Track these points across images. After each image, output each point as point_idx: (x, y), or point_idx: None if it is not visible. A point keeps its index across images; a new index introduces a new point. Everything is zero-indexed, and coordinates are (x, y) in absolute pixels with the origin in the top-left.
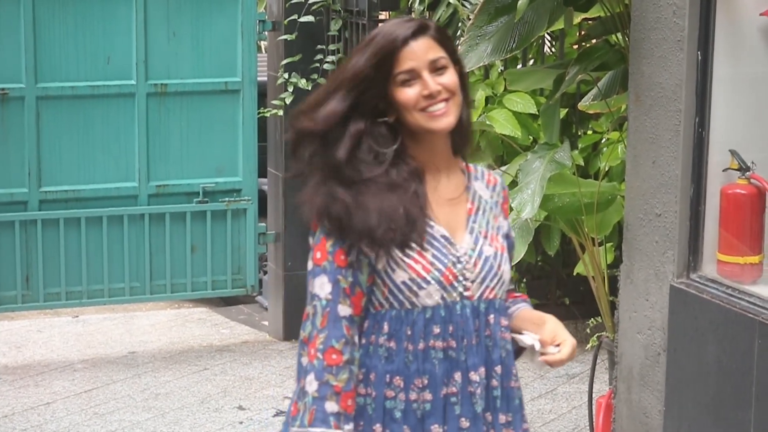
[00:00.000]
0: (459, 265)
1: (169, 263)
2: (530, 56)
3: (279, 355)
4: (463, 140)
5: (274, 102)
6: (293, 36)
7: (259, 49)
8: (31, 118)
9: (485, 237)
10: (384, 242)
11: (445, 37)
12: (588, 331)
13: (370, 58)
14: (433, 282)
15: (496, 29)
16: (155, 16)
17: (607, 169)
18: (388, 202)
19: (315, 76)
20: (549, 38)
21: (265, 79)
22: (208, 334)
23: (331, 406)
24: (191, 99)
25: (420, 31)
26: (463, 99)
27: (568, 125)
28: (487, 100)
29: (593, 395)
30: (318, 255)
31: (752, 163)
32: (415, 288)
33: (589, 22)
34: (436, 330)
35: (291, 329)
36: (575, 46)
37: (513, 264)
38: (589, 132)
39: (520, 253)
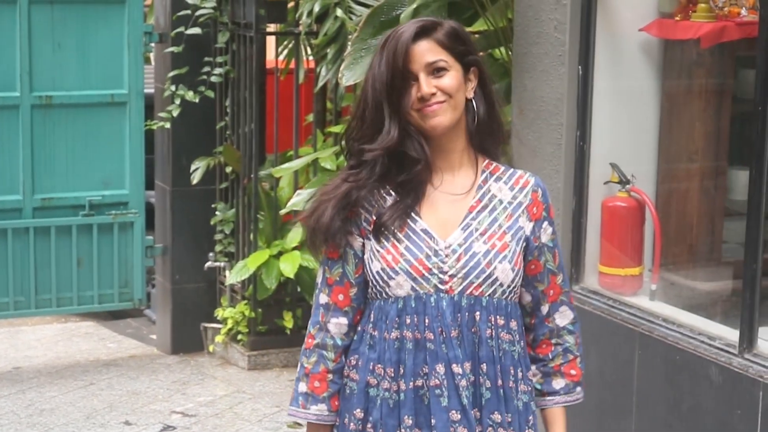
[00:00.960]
0: (435, 258)
1: (54, 277)
2: None
3: (167, 369)
4: (485, 141)
5: (161, 114)
6: (180, 48)
7: (147, 60)
8: None
9: (482, 234)
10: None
11: (454, 39)
12: None
13: (384, 61)
14: (401, 272)
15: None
16: (39, 26)
17: None
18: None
19: (202, 88)
20: None
21: (152, 91)
22: (95, 348)
23: (301, 387)
24: (77, 111)
25: (422, 33)
26: (484, 100)
27: None
28: None
29: None
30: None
31: (632, 176)
32: (386, 278)
33: (474, 35)
34: (408, 320)
35: (179, 343)
36: None
37: None
38: None
39: None
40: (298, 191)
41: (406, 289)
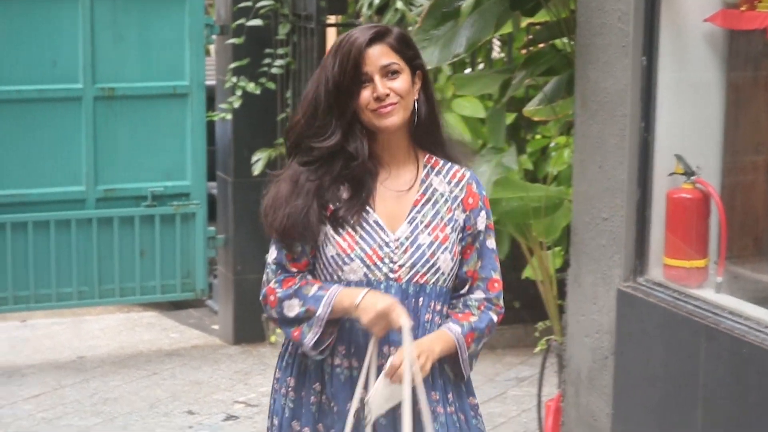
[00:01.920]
0: (386, 249)
1: (117, 267)
2: (479, 60)
3: (229, 359)
4: (424, 136)
5: (223, 106)
6: (241, 40)
7: (207, 53)
8: None
9: (426, 226)
10: (284, 240)
11: (404, 44)
12: (537, 334)
13: (339, 64)
14: (356, 259)
15: (443, 33)
16: (102, 19)
17: (555, 173)
18: (294, 204)
19: (263, 79)
20: (498, 42)
21: (214, 83)
22: (157, 338)
23: (300, 306)
24: (139, 103)
25: (377, 38)
26: (424, 98)
27: (516, 130)
28: None
29: (542, 398)
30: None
31: (697, 167)
32: (340, 262)
33: (536, 26)
34: None
35: (240, 333)
36: (523, 51)
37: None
38: (538, 136)
39: None
40: None
41: (359, 274)
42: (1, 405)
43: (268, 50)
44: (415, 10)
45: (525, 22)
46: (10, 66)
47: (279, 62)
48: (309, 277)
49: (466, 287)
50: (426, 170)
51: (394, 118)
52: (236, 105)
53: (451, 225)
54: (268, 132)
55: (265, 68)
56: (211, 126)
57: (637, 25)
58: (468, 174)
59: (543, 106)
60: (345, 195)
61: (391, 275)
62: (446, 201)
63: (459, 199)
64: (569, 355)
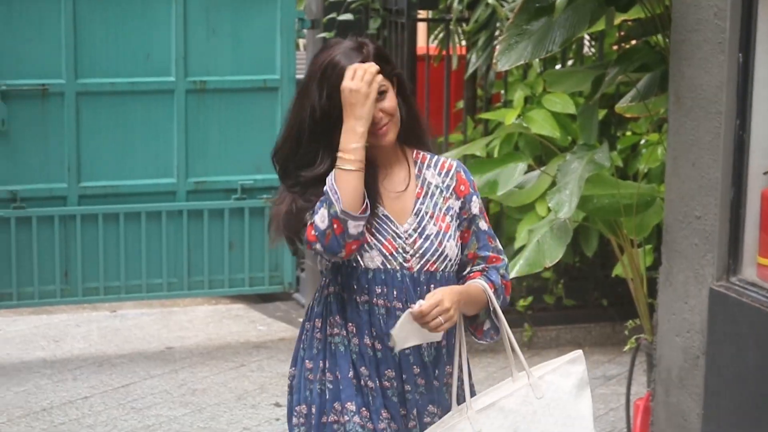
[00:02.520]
0: (399, 240)
1: (207, 259)
2: (569, 56)
3: None
4: (408, 134)
5: None
6: (332, 34)
7: (297, 47)
8: (71, 114)
9: (431, 217)
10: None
11: (383, 61)
12: (626, 333)
13: (327, 94)
14: (374, 248)
15: (537, 29)
16: (195, 13)
17: (645, 170)
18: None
19: None
20: (588, 38)
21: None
22: (245, 330)
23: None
24: (230, 96)
25: (363, 62)
26: (403, 103)
27: (606, 126)
28: (526, 100)
29: (631, 398)
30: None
31: None
32: (360, 251)
33: (629, 23)
34: (378, 290)
35: None
36: (615, 47)
37: (550, 265)
38: (628, 133)
39: (557, 254)
40: None
41: (377, 262)
42: (92, 393)
43: None
44: (507, 6)
45: (619, 18)
46: (106, 59)
47: None
48: None
49: (468, 268)
50: (417, 166)
51: (390, 136)
52: None
53: (449, 214)
54: None
55: None
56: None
57: (734, 21)
58: (455, 163)
59: (635, 103)
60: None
61: (405, 264)
62: (441, 192)
63: (451, 188)
64: (659, 355)
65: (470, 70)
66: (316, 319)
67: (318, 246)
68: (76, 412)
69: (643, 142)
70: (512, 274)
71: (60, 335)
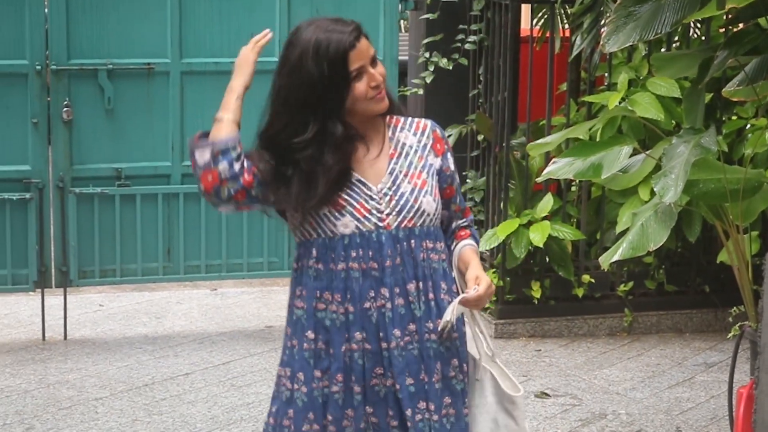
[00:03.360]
0: (372, 201)
1: None
2: (675, 39)
3: None
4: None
5: (415, 81)
6: (435, 15)
7: (398, 28)
8: (176, 93)
9: (405, 176)
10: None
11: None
12: (730, 320)
13: (329, 64)
14: (347, 214)
15: (645, 11)
16: None
17: (752, 155)
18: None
19: (456, 55)
20: (694, 21)
21: (406, 58)
22: None
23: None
24: None
25: (359, 33)
26: None
27: (711, 110)
28: (630, 83)
29: (733, 385)
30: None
31: None
32: (333, 219)
33: (736, 6)
34: (354, 254)
35: None
36: (721, 30)
37: (653, 248)
38: (734, 117)
39: (661, 238)
40: (553, 160)
41: (351, 227)
42: (192, 370)
43: (461, 26)
44: None
45: (730, 3)
46: (210, 38)
47: (472, 38)
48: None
49: (454, 221)
50: (391, 129)
51: (386, 100)
52: (428, 80)
53: (426, 170)
54: (459, 108)
55: (458, 44)
56: (402, 101)
57: None
58: (429, 123)
59: (743, 87)
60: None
61: (380, 224)
62: (416, 151)
63: (428, 146)
64: (764, 342)
65: (574, 53)
66: (295, 288)
67: (205, 195)
68: (177, 388)
69: (748, 126)
70: (615, 257)
71: (161, 312)
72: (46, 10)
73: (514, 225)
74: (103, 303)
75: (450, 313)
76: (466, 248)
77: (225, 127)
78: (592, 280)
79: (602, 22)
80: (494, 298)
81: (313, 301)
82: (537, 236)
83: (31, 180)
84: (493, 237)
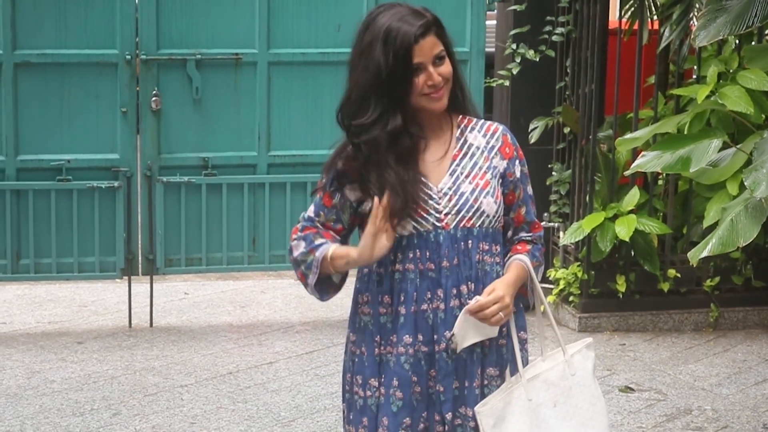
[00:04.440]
0: (431, 201)
1: None
2: (766, 33)
3: None
4: (454, 100)
5: (501, 72)
6: (523, 7)
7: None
8: (263, 84)
9: (467, 176)
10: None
11: (442, 29)
12: None
13: (394, 55)
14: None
15: (737, 3)
16: None
17: None
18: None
19: (543, 47)
20: None
21: (493, 49)
22: None
23: (304, 247)
24: None
25: (428, 29)
26: (453, 67)
27: None
28: (720, 76)
29: None
30: (324, 198)
31: None
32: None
33: None
34: (411, 255)
35: None
36: None
37: (743, 244)
38: None
39: (751, 234)
40: (642, 153)
41: (408, 228)
42: (276, 359)
43: (549, 18)
44: None
45: None
46: (297, 29)
47: (560, 30)
48: (326, 233)
49: (511, 231)
50: (460, 129)
51: (445, 100)
52: (515, 72)
53: (490, 172)
54: (545, 100)
55: (546, 36)
56: (488, 93)
57: None
58: (501, 127)
59: None
60: (391, 161)
61: (438, 224)
62: (482, 152)
63: (496, 148)
64: None
65: (663, 45)
66: (358, 296)
67: (289, 251)
68: (261, 377)
69: None
70: (704, 253)
71: (246, 301)
72: (136, 1)
73: (599, 218)
74: (189, 291)
75: (456, 326)
76: (514, 262)
77: (315, 275)
78: (678, 275)
79: (692, 14)
80: (578, 292)
81: (378, 306)
82: (623, 230)
83: (119, 168)
84: (579, 230)
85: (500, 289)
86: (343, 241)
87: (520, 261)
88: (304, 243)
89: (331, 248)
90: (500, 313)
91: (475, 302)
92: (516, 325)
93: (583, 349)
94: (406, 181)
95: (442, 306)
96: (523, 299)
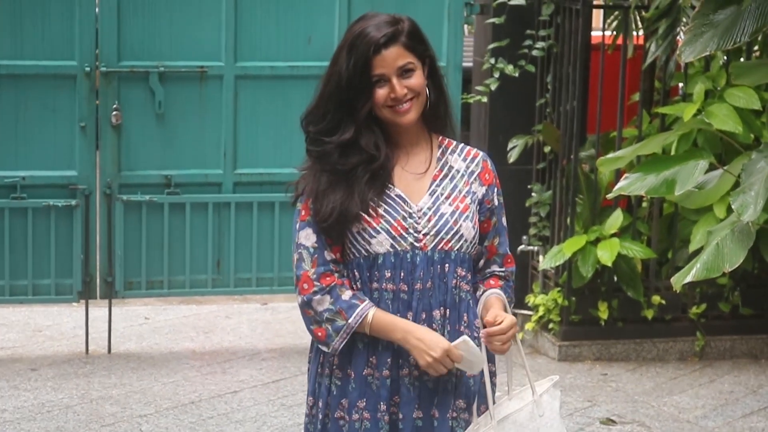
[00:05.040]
0: (410, 220)
1: None
2: (755, 48)
3: None
4: (435, 119)
5: (479, 88)
6: (502, 20)
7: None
8: (229, 98)
9: (447, 198)
10: (329, 229)
11: (416, 40)
12: None
13: (353, 64)
14: (382, 232)
15: (724, 18)
16: None
17: None
18: (340, 193)
19: (522, 62)
20: None
21: (470, 64)
22: None
23: (330, 304)
24: None
25: (392, 39)
26: (433, 86)
27: None
28: (707, 94)
29: None
30: (303, 213)
31: None
32: (367, 236)
33: None
34: (387, 274)
35: None
36: None
37: (729, 270)
38: None
39: (738, 258)
40: (625, 175)
41: (386, 246)
42: (241, 388)
43: (529, 31)
44: None
45: None
46: (266, 42)
47: (540, 44)
48: (344, 280)
49: (482, 261)
50: (441, 149)
51: (412, 115)
52: (493, 87)
53: (470, 197)
54: (525, 117)
55: (526, 50)
56: (466, 109)
57: None
58: (481, 153)
59: None
60: (367, 177)
61: (417, 244)
62: (462, 176)
63: (475, 173)
64: None
65: (648, 61)
66: None
67: (302, 300)
68: (224, 407)
69: None
70: (689, 278)
71: (209, 326)
72: (96, 10)
73: (581, 242)
74: (149, 316)
75: (474, 351)
76: (492, 296)
77: (343, 341)
78: (663, 302)
79: (678, 28)
80: (558, 319)
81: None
82: (605, 254)
83: (77, 186)
84: (559, 254)
85: (509, 317)
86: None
87: (499, 296)
88: (329, 298)
89: (371, 314)
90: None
91: (497, 328)
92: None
93: (551, 388)
94: (350, 197)
95: None
96: None
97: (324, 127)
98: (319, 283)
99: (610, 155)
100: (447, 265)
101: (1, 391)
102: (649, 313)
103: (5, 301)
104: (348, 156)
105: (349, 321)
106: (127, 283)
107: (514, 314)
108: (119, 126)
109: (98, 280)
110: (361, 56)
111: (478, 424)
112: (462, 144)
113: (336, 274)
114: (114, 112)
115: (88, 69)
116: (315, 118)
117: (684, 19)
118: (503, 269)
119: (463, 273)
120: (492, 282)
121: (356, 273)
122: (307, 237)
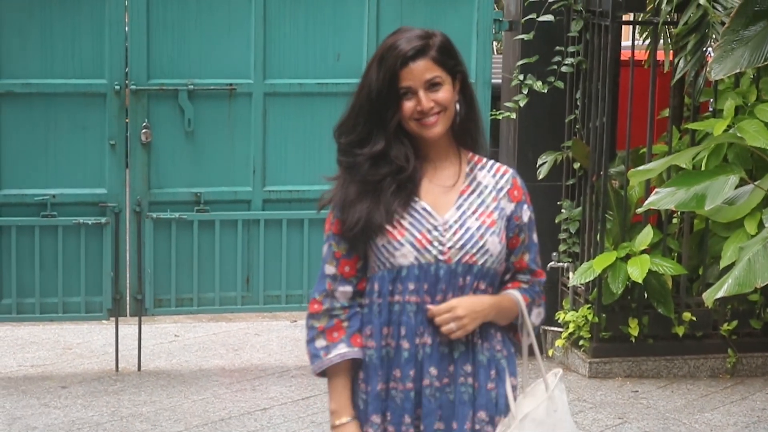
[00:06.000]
0: (435, 232)
1: None
2: None
3: None
4: (465, 135)
5: (508, 104)
6: (530, 36)
7: (492, 49)
8: (258, 116)
9: (474, 213)
10: (355, 240)
11: (446, 54)
12: None
13: (383, 76)
14: (406, 244)
15: (754, 34)
16: (388, 14)
17: None
18: (366, 204)
19: (551, 78)
20: None
21: (499, 81)
22: None
23: (319, 342)
24: None
25: (420, 52)
26: (464, 102)
27: None
28: (737, 109)
29: None
30: (326, 225)
31: None
32: (391, 249)
33: None
34: (411, 287)
35: None
36: None
37: (761, 285)
38: None
39: (764, 275)
40: (656, 190)
41: (410, 259)
42: (270, 405)
43: (558, 48)
44: (720, 8)
45: None
46: (294, 59)
47: (569, 60)
48: (350, 318)
49: (509, 275)
50: (470, 165)
51: (438, 128)
52: (522, 104)
53: (497, 212)
54: (554, 134)
55: (554, 66)
56: (494, 126)
57: None
58: (511, 170)
59: None
60: (393, 188)
61: (441, 257)
62: (491, 192)
63: (504, 190)
64: None
65: (677, 76)
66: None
67: (308, 324)
68: (254, 424)
69: None
70: (720, 294)
71: (239, 344)
72: (126, 28)
73: (611, 258)
74: (179, 333)
75: None
76: (501, 293)
77: (319, 369)
78: (694, 318)
79: (707, 44)
80: (589, 335)
81: (380, 338)
82: (636, 271)
83: (107, 204)
84: (589, 270)
85: (454, 301)
86: (362, 273)
87: (510, 294)
88: (323, 341)
89: (324, 367)
90: (452, 324)
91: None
92: (507, 371)
93: (558, 382)
94: (375, 207)
95: (429, 341)
96: (515, 343)
97: (355, 138)
98: (318, 323)
99: (641, 167)
100: (468, 277)
101: (32, 408)
102: (680, 330)
103: (36, 319)
104: (378, 167)
105: (322, 361)
106: (157, 300)
107: (544, 331)
108: (149, 144)
109: (128, 298)
110: (390, 68)
111: (503, 425)
112: (492, 161)
113: (324, 300)
114: (143, 130)
115: (117, 87)
116: (346, 129)
117: (713, 35)
118: (527, 277)
119: (483, 287)
120: (510, 285)
121: (377, 286)
122: (330, 261)
